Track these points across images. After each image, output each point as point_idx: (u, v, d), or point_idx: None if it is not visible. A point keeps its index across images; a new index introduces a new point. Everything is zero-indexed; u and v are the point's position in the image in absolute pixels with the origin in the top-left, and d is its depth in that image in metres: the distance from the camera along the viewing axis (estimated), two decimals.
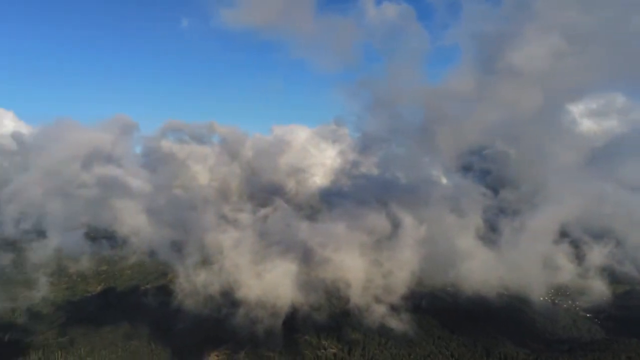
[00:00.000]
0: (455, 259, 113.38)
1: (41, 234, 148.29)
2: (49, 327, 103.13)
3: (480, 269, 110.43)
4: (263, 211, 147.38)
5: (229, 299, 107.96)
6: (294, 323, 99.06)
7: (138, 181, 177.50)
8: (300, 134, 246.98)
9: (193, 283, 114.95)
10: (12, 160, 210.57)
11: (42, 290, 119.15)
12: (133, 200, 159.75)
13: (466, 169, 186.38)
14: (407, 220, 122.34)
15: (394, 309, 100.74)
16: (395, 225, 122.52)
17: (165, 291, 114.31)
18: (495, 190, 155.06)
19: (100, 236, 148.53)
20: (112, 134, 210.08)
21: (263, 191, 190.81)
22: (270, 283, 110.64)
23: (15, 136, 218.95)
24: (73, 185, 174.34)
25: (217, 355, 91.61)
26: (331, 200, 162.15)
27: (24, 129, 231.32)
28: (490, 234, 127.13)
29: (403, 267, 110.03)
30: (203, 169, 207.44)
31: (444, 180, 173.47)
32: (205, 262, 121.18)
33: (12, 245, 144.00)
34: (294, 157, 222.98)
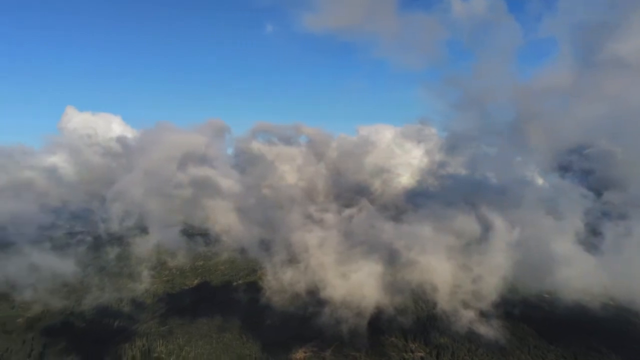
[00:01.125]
0: (552, 265, 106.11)
1: (143, 230, 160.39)
2: (150, 316, 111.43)
3: (580, 277, 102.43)
4: (348, 211, 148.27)
5: (314, 298, 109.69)
6: (378, 324, 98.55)
7: (229, 181, 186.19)
8: (385, 134, 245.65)
9: (280, 281, 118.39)
10: (118, 162, 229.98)
11: (144, 283, 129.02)
12: (225, 199, 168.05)
13: (564, 169, 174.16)
14: (499, 222, 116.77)
15: (483, 315, 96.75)
16: (486, 228, 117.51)
17: (254, 287, 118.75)
18: (598, 192, 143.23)
19: (195, 233, 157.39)
20: (206, 136, 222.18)
21: (348, 191, 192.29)
22: (355, 283, 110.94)
23: (120, 139, 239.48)
24: (171, 185, 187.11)
25: (305, 352, 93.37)
26: (417, 200, 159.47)
27: (130, 132, 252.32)
28: (592, 238, 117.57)
29: (494, 272, 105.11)
30: (290, 169, 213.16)
31: (540, 181, 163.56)
32: (292, 260, 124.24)
33: (118, 240, 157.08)
34: (379, 157, 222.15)
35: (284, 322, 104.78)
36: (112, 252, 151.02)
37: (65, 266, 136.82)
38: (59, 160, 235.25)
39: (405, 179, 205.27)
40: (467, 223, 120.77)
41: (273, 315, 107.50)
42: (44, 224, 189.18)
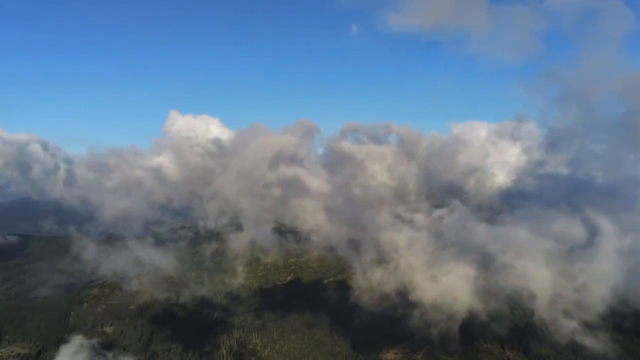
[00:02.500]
0: None
1: (238, 227, 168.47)
2: (246, 310, 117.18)
3: None
4: (439, 212, 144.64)
5: (404, 299, 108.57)
6: (471, 329, 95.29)
7: (319, 181, 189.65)
8: (479, 132, 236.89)
9: (369, 280, 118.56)
10: (215, 162, 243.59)
11: (239, 278, 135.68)
12: (314, 198, 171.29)
13: None
14: (607, 227, 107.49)
15: (588, 326, 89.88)
16: (592, 232, 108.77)
17: (344, 286, 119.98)
18: None
19: (286, 231, 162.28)
20: (296, 136, 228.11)
21: (439, 191, 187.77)
22: (446, 286, 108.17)
23: (215, 141, 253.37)
24: (262, 184, 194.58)
25: (395, 354, 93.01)
26: (513, 201, 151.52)
27: (226, 134, 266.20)
28: None
29: (601, 281, 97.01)
30: (380, 169, 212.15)
31: None
32: (381, 260, 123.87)
33: (215, 236, 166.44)
34: (472, 155, 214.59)
35: (373, 322, 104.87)
36: (209, 248, 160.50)
37: (168, 260, 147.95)
38: (164, 160, 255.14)
39: (500, 178, 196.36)
40: (569, 226, 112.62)
41: (362, 314, 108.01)
42: (150, 220, 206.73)
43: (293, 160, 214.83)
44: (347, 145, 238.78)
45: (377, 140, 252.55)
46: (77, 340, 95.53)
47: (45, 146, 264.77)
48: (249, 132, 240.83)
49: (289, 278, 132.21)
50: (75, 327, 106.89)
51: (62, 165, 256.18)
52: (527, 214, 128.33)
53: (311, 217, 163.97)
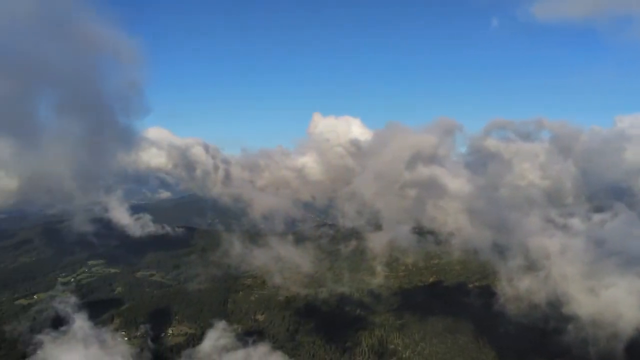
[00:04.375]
0: None
1: (377, 227, 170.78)
2: (386, 309, 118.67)
3: None
4: (600, 216, 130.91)
5: (556, 311, 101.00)
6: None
7: (460, 181, 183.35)
8: None
9: (516, 288, 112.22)
10: (355, 162, 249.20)
11: (379, 277, 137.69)
12: (455, 199, 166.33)
13: None
14: None
15: None
16: None
17: (488, 292, 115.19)
18: None
19: (425, 232, 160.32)
20: (435, 135, 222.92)
21: (601, 193, 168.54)
22: (607, 300, 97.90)
23: (353, 142, 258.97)
24: (400, 185, 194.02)
25: None
26: None
27: (367, 134, 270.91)
28: None
29: None
30: (530, 168, 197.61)
31: None
32: (530, 268, 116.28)
33: (355, 235, 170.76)
34: None
35: (520, 333, 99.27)
36: (349, 246, 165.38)
37: (310, 256, 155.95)
38: (307, 160, 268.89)
39: None
40: None
41: (507, 323, 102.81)
42: (294, 218, 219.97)
43: (432, 159, 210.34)
44: (492, 143, 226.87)
45: (526, 137, 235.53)
46: (221, 325, 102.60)
47: (206, 148, 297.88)
48: (386, 131, 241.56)
49: (431, 280, 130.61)
50: (232, 312, 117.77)
51: (221, 166, 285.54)
52: None
53: (452, 218, 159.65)
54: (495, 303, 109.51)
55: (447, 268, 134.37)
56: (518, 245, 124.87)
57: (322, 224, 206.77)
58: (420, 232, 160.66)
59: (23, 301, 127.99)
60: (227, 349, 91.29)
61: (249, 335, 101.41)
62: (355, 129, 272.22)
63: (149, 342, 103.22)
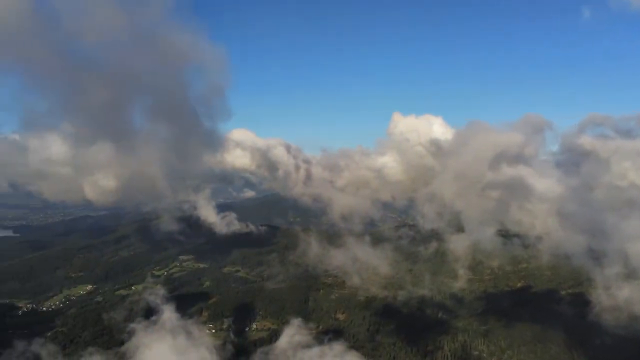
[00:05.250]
0: None
1: (459, 228, 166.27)
2: (469, 313, 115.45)
3: None
4: None
5: None
6: None
7: (550, 181, 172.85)
8: None
9: (614, 297, 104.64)
10: (437, 162, 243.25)
11: (461, 280, 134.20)
12: (544, 201, 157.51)
13: None
14: None
15: None
16: None
17: (581, 300, 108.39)
18: None
19: (511, 235, 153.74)
20: (522, 133, 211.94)
21: None
22: None
23: (433, 142, 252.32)
24: (483, 185, 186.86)
25: None
26: None
27: (449, 133, 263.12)
28: None
29: None
30: (631, 167, 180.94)
31: None
32: (630, 275, 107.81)
33: (435, 236, 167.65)
34: None
35: (618, 345, 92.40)
36: (429, 248, 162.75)
37: (390, 257, 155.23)
38: (387, 160, 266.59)
39: None
40: None
41: (604, 334, 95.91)
42: (374, 218, 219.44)
43: (518, 159, 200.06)
44: (587, 141, 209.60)
45: (627, 134, 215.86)
46: (296, 322, 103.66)
47: (288, 148, 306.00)
48: (468, 130, 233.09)
49: (518, 284, 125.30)
50: (313, 310, 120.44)
51: (302, 166, 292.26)
52: None
53: (540, 221, 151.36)
54: (589, 312, 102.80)
55: (537, 273, 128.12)
56: (616, 251, 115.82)
57: (401, 225, 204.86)
58: (506, 234, 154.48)
59: (122, 292, 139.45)
60: (302, 346, 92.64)
61: (329, 334, 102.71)
62: (437, 128, 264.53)
63: (232, 335, 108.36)
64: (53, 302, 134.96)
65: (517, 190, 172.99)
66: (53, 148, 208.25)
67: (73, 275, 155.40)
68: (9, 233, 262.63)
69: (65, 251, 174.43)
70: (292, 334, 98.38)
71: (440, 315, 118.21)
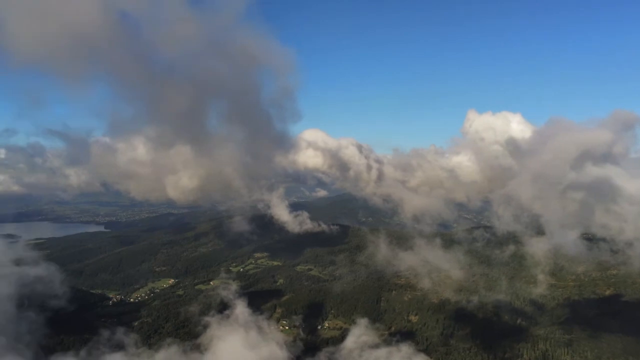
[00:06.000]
0: None
1: (538, 231, 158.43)
2: (551, 321, 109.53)
3: None
4: None
5: None
6: None
7: None
8: None
9: None
10: (513, 162, 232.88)
11: (541, 285, 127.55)
12: (635, 203, 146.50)
13: None
14: None
15: None
16: None
17: None
18: None
19: (598, 239, 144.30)
20: (610, 131, 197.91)
21: None
22: None
23: (509, 141, 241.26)
24: (565, 186, 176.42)
25: None
26: None
27: (529, 130, 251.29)
28: None
29: None
30: None
31: None
32: None
33: (512, 239, 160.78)
34: None
35: None
36: (506, 251, 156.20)
37: (462, 260, 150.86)
38: (462, 160, 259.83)
39: None
40: None
41: None
42: (446, 219, 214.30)
43: (606, 158, 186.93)
44: None
45: None
46: (363, 322, 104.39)
47: (359, 148, 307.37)
48: (548, 128, 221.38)
49: (607, 292, 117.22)
50: (385, 311, 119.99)
51: (374, 165, 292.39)
52: None
53: (631, 225, 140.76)
54: None
55: (628, 281, 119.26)
56: None
57: (476, 227, 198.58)
58: (591, 239, 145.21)
59: (202, 286, 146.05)
60: (370, 347, 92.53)
61: (400, 336, 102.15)
62: (515, 126, 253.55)
63: (301, 332, 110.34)
64: (139, 294, 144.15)
65: (604, 191, 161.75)
66: (138, 150, 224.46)
67: (157, 269, 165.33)
68: (101, 229, 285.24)
69: (150, 246, 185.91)
70: (360, 333, 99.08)
71: (519, 321, 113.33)
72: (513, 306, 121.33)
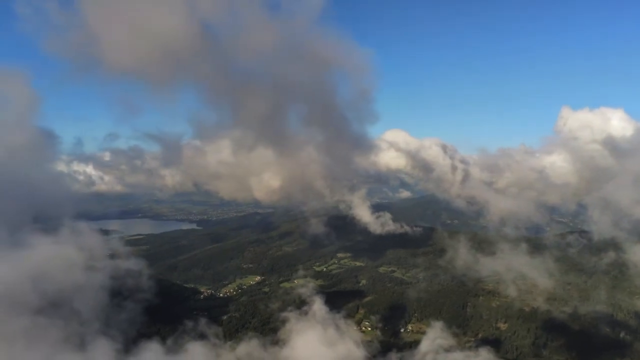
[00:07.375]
0: None
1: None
2: None
3: None
4: None
5: None
6: None
7: None
8: None
9: None
10: (613, 162, 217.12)
11: None
12: None
13: None
14: None
15: None
16: None
17: None
18: None
19: None
20: None
21: None
22: None
23: (607, 140, 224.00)
24: None
25: None
26: None
27: (631, 128, 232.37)
28: None
29: None
30: None
31: None
32: None
33: (611, 246, 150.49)
34: None
35: None
36: (604, 258, 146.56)
37: (555, 267, 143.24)
38: (555, 160, 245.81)
39: None
40: None
41: None
42: (537, 223, 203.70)
43: None
44: None
45: None
46: (438, 324, 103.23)
47: (444, 148, 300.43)
48: None
49: None
50: (472, 317, 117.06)
51: (459, 166, 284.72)
52: None
53: None
54: None
55: None
56: None
57: (569, 232, 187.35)
58: None
59: (286, 284, 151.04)
60: (445, 351, 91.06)
61: (488, 343, 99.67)
62: (616, 123, 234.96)
63: (379, 333, 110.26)
64: (228, 289, 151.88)
65: None
66: (225, 152, 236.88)
67: (244, 266, 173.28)
68: (194, 226, 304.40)
69: (238, 244, 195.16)
70: (434, 337, 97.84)
71: (622, 335, 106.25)
72: (614, 318, 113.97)
